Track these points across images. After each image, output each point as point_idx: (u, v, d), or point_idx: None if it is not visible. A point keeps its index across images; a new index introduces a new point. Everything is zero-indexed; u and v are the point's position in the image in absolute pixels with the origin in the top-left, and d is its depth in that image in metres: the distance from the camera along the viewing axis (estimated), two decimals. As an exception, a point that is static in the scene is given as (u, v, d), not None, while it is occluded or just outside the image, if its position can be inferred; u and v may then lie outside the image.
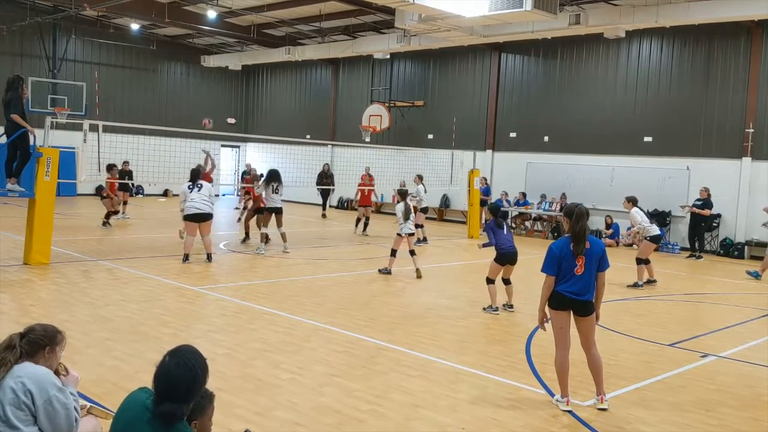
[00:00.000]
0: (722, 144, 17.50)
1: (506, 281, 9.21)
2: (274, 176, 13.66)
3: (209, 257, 11.93)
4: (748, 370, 6.89)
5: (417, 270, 11.48)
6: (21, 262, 10.86)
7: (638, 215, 11.97)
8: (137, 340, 6.85)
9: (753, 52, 16.99)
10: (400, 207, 11.59)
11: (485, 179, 21.15)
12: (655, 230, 12.00)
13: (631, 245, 18.08)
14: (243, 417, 4.94)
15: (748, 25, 16.82)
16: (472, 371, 6.37)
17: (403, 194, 12.16)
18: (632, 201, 12.10)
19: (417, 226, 15.50)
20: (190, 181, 11.97)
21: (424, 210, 16.89)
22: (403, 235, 11.49)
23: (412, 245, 11.80)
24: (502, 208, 20.61)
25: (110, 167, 16.47)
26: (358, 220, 18.57)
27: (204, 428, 3.00)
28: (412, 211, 11.96)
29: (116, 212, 16.95)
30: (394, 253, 11.67)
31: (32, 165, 10.77)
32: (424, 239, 16.41)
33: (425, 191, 17.09)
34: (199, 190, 11.78)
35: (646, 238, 11.88)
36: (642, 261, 11.82)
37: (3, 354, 3.30)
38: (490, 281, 9.07)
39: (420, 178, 17.27)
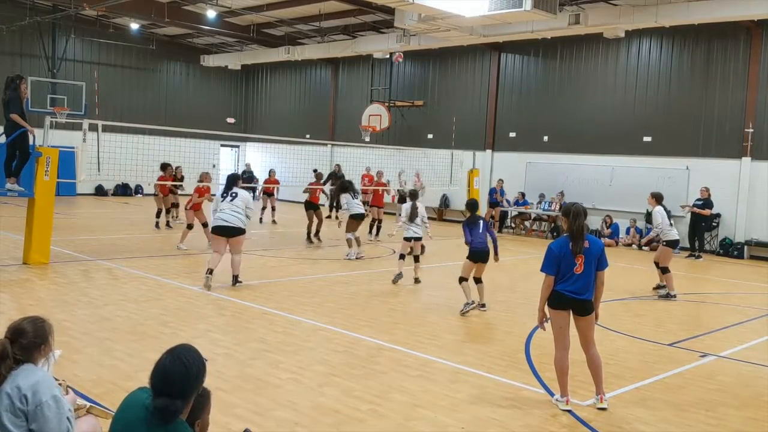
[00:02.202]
0: (722, 144, 17.50)
1: (477, 280, 9.08)
2: (347, 185, 13.72)
3: (234, 280, 9.97)
4: (748, 370, 6.90)
5: (416, 278, 10.90)
6: (20, 262, 10.85)
7: (659, 215, 11.05)
8: (137, 340, 6.85)
9: (752, 52, 16.99)
10: (406, 207, 11.01)
11: (501, 181, 20.67)
12: (673, 235, 11.05)
13: (630, 245, 18.09)
14: (242, 417, 4.93)
15: (748, 25, 16.82)
16: (471, 371, 6.37)
17: (413, 195, 11.35)
18: (657, 198, 11.18)
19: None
20: (225, 188, 10.32)
21: None
22: (409, 239, 10.89)
23: (418, 251, 11.09)
24: (500, 208, 20.62)
25: (164, 166, 16.22)
26: (372, 222, 17.77)
27: (205, 424, 3.02)
28: (419, 214, 10.97)
29: (166, 211, 16.64)
30: (402, 257, 10.99)
31: (32, 165, 10.78)
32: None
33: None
34: (231, 200, 9.93)
35: (662, 243, 11.08)
36: (666, 269, 10.84)
37: None
38: (462, 279, 8.92)
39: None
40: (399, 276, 10.80)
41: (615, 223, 18.65)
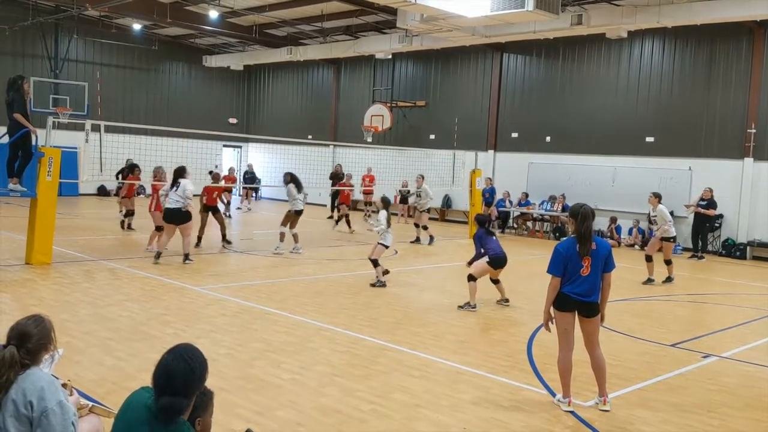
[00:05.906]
0: (724, 144, 17.48)
1: (495, 281, 9.59)
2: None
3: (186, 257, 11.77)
4: (750, 371, 6.89)
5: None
6: (23, 262, 10.87)
7: (668, 213, 12.07)
8: (139, 340, 6.86)
9: (755, 53, 16.98)
10: (383, 215, 10.84)
11: (490, 179, 20.99)
12: (674, 231, 12.22)
13: (632, 245, 18.07)
14: (244, 417, 4.94)
15: (750, 26, 16.80)
16: (473, 371, 6.37)
17: (386, 202, 11.19)
18: (658, 197, 12.15)
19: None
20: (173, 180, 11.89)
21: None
22: (387, 245, 10.82)
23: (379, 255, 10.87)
24: (500, 208, 20.56)
25: (133, 167, 15.92)
26: (341, 217, 18.75)
27: (206, 425, 3.02)
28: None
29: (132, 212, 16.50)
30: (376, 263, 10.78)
31: (34, 165, 10.78)
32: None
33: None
34: (176, 190, 11.61)
35: (667, 239, 11.99)
36: (669, 261, 12.09)
37: (7, 373, 3.08)
38: (472, 278, 9.22)
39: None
40: (383, 284, 10.63)
41: (618, 225, 18.63)
